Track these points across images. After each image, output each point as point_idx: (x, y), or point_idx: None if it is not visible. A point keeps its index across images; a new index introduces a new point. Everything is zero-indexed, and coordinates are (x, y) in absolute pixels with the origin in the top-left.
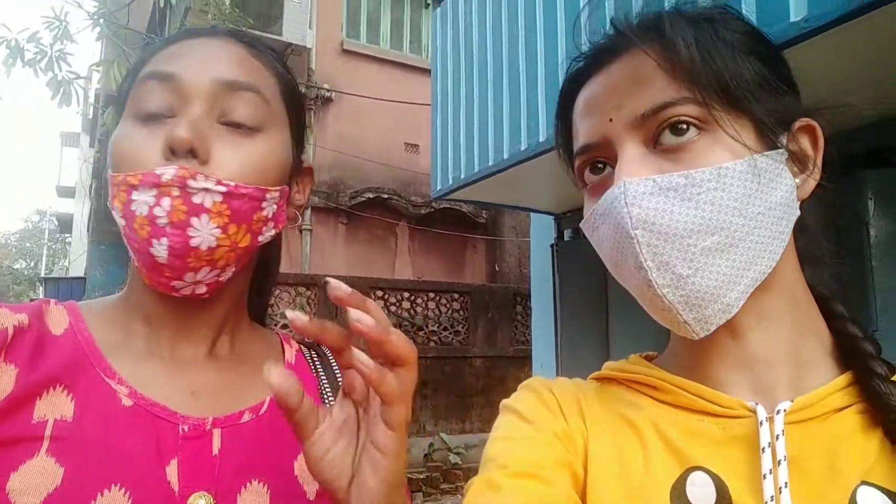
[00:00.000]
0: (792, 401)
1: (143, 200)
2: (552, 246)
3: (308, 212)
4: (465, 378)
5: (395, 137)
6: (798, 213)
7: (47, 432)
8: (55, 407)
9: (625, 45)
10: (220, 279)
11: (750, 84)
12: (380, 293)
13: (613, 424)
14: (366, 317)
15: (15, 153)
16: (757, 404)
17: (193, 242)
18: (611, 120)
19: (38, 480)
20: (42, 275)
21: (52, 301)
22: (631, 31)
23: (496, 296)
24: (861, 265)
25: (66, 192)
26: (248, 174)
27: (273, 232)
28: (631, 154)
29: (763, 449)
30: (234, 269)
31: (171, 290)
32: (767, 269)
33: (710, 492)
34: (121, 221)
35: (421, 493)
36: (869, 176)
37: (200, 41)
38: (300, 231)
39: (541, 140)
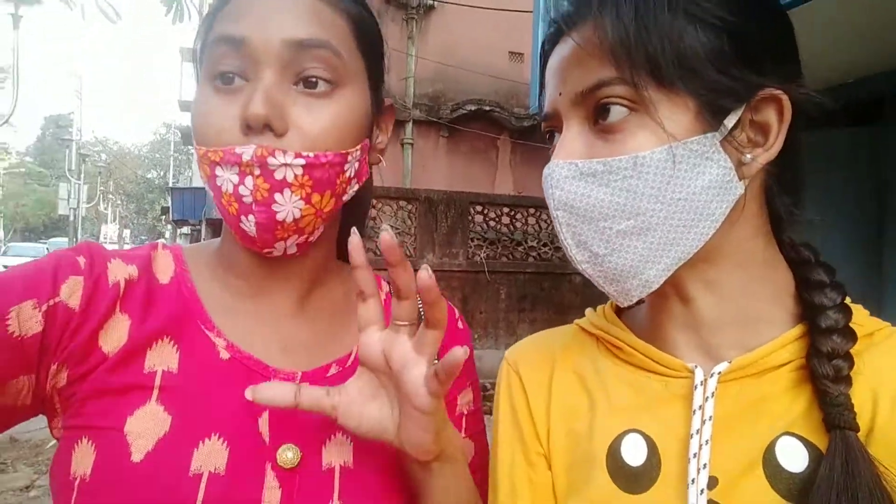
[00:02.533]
0: (730, 361)
1: (226, 177)
2: None
3: (409, 125)
4: (563, 294)
5: (498, 46)
6: (740, 190)
7: (157, 382)
8: (163, 358)
9: (581, 16)
10: (310, 240)
11: (694, 60)
12: (479, 208)
13: (572, 386)
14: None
15: (143, 68)
16: (696, 366)
17: (279, 217)
18: (560, 94)
19: (151, 426)
20: (170, 184)
21: (160, 244)
22: (586, 2)
23: None
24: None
25: (187, 106)
26: (327, 139)
27: (356, 187)
28: (570, 132)
29: (695, 411)
30: (321, 230)
31: (263, 253)
32: (693, 248)
33: (642, 450)
34: (210, 193)
35: None
36: None
37: None
38: (402, 144)
39: None
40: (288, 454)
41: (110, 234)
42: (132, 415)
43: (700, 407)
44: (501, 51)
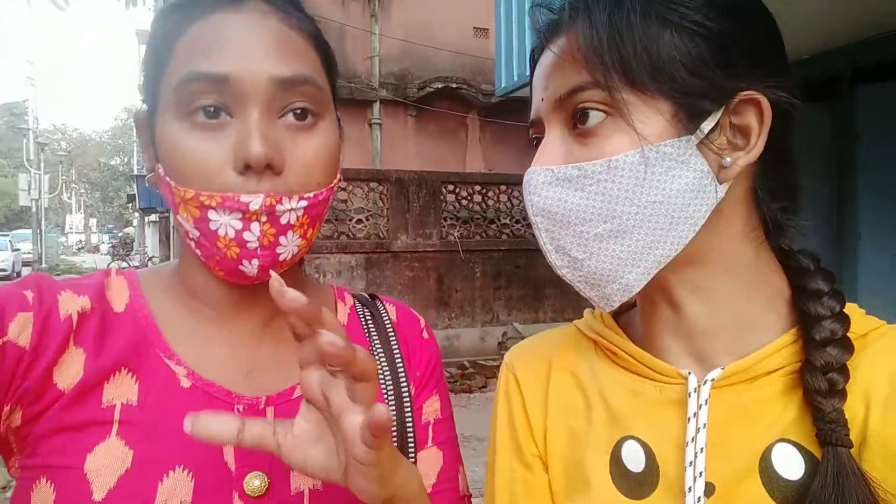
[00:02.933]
0: (724, 367)
1: (225, 222)
2: None
3: (377, 105)
4: (537, 270)
5: (463, 22)
6: (720, 193)
7: (116, 416)
8: (121, 391)
9: (558, 26)
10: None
11: (668, 63)
12: (451, 187)
13: (568, 385)
14: (338, 339)
15: (99, 53)
16: (689, 373)
17: (282, 258)
18: (542, 100)
19: (111, 463)
20: (134, 171)
21: (114, 271)
22: (562, 8)
23: None
24: (853, 177)
25: None
26: (319, 172)
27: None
28: (551, 137)
29: (689, 419)
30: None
31: (252, 284)
32: (673, 251)
33: (641, 457)
34: (194, 232)
35: (495, 378)
36: (865, 90)
37: (234, 17)
38: (370, 125)
39: None
40: (255, 482)
41: (76, 224)
42: (91, 452)
43: (694, 415)
44: (466, 27)
